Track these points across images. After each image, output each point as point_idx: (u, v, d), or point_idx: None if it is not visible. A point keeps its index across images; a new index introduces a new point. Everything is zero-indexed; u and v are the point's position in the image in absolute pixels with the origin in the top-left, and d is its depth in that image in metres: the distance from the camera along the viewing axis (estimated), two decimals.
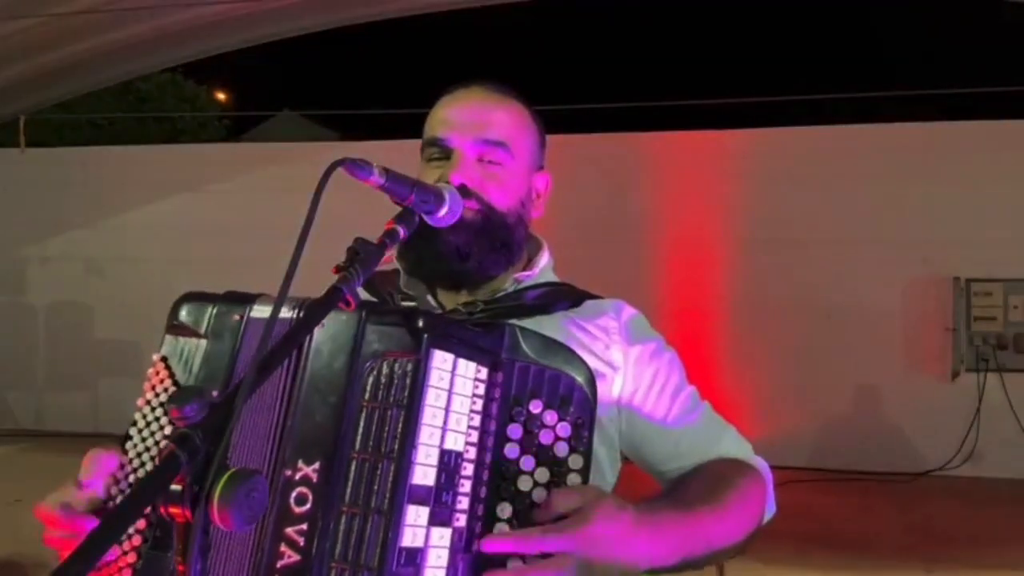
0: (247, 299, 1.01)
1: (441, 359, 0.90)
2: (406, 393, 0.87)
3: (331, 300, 0.87)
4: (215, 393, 0.96)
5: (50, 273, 7.53)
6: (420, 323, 0.90)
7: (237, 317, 0.99)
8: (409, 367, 0.88)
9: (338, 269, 0.91)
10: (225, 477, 0.70)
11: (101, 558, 0.62)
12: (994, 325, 6.01)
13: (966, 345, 6.04)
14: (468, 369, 0.94)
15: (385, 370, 0.89)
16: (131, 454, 0.98)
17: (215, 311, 1.01)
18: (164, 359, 1.01)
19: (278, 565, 0.85)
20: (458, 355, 0.92)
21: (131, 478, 0.96)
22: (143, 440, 0.98)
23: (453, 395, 0.91)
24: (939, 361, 6.10)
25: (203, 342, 1.00)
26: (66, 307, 7.50)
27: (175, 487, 0.70)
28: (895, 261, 6.09)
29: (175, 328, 1.02)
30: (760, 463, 1.20)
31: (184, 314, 1.02)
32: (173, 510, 0.70)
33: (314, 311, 0.87)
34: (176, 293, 1.07)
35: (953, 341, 6.08)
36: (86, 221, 7.41)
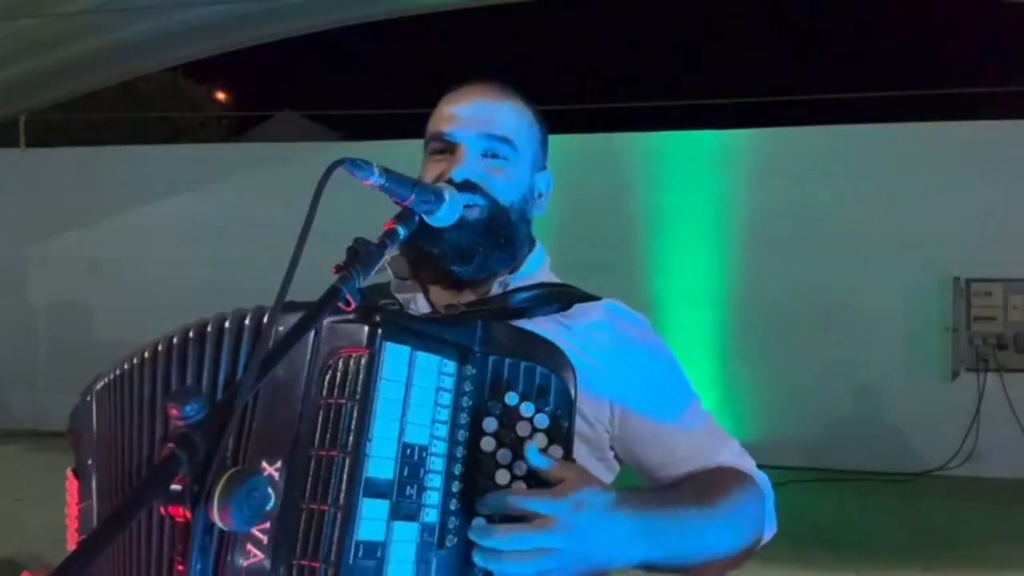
0: (91, 384, 1.17)
1: (396, 353, 0.90)
2: (359, 387, 0.87)
3: (331, 300, 0.87)
4: (89, 462, 1.12)
5: (50, 273, 7.54)
6: (376, 319, 0.90)
7: (88, 399, 1.15)
8: (363, 361, 0.88)
9: (338, 269, 0.91)
10: (225, 477, 0.70)
11: (99, 558, 0.63)
12: (994, 325, 6.01)
13: (966, 345, 6.04)
14: (429, 362, 0.93)
15: (341, 366, 0.89)
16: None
17: (75, 410, 1.18)
18: (74, 470, 1.16)
19: (244, 565, 0.86)
20: (416, 349, 0.91)
21: None
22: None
23: (412, 388, 0.91)
24: (939, 361, 6.11)
25: (82, 437, 1.16)
26: (66, 307, 7.50)
27: (175, 487, 0.70)
28: (895, 261, 6.09)
29: (69, 438, 1.18)
30: (761, 478, 1.16)
31: (68, 426, 1.20)
32: (173, 510, 0.70)
33: (312, 313, 0.87)
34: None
35: (953, 341, 6.08)
36: (86, 221, 7.41)
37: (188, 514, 0.70)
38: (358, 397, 0.87)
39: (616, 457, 1.18)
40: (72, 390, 1.21)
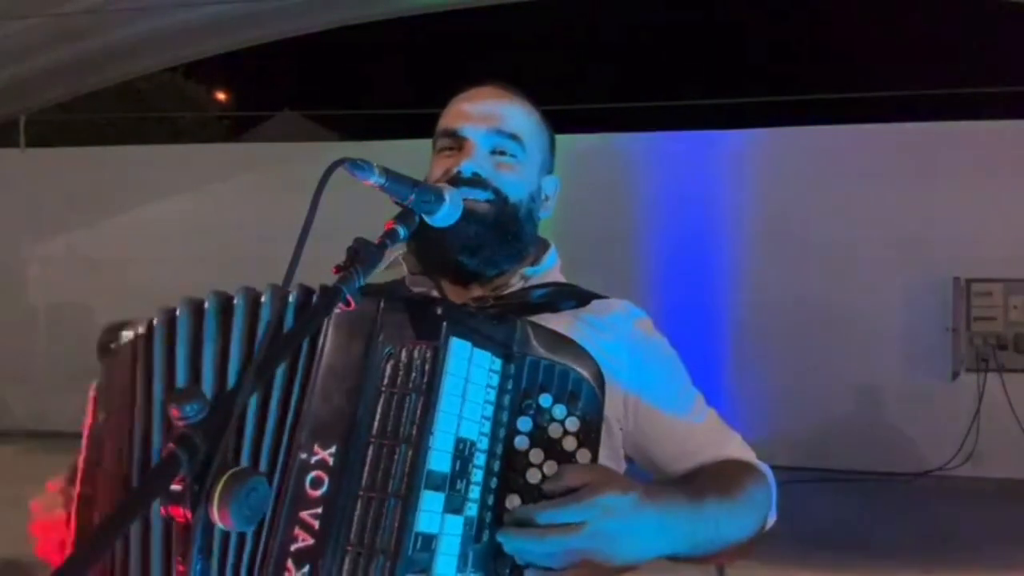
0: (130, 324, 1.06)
1: (460, 347, 0.91)
2: (425, 379, 0.88)
3: (331, 300, 0.88)
4: (102, 416, 1.04)
5: (50, 273, 7.53)
6: (439, 311, 0.91)
7: (129, 333, 1.05)
8: (428, 354, 0.89)
9: (338, 269, 0.91)
10: (225, 477, 0.70)
11: (100, 558, 0.63)
12: (994, 325, 6.01)
13: (966, 345, 6.04)
14: (483, 359, 0.95)
15: (404, 357, 0.90)
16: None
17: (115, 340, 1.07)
18: (97, 391, 1.09)
19: (292, 548, 0.85)
20: (475, 344, 0.93)
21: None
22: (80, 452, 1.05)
23: (469, 384, 0.92)
24: (939, 361, 6.10)
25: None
26: (66, 307, 7.50)
27: (175, 487, 0.70)
28: (895, 261, 6.09)
29: (102, 354, 1.09)
30: (765, 468, 1.20)
31: (102, 343, 1.10)
32: (173, 510, 0.70)
33: (313, 312, 0.87)
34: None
35: (953, 341, 6.08)
36: (86, 221, 7.41)
37: (188, 514, 0.70)
38: (423, 389, 0.88)
39: (625, 456, 1.21)
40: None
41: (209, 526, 0.72)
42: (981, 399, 5.88)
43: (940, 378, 6.08)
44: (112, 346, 1.06)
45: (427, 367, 0.89)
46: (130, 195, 7.36)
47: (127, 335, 1.03)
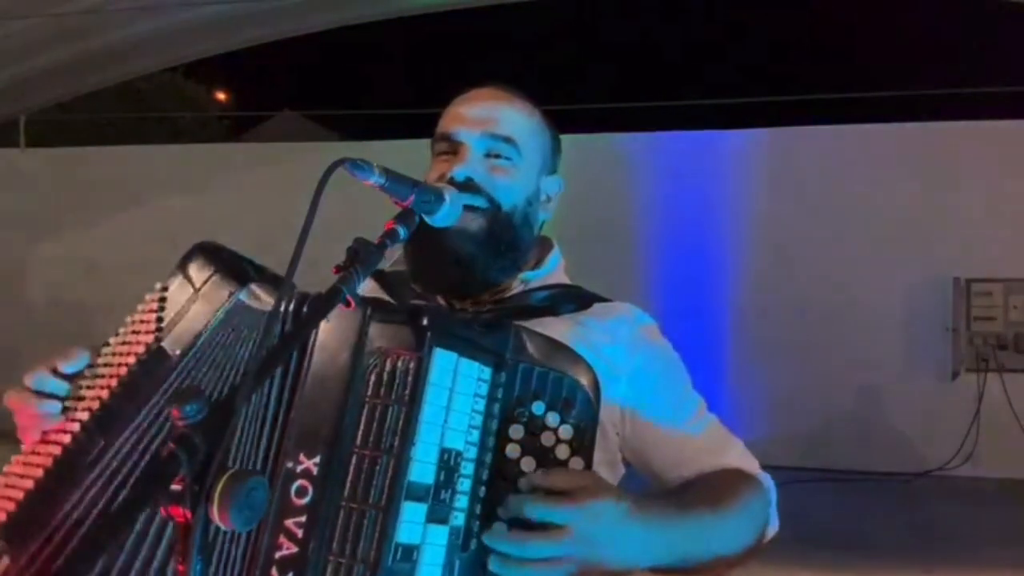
0: (243, 276, 1.01)
1: (444, 358, 0.91)
2: (407, 390, 0.88)
3: (331, 300, 0.87)
4: (177, 352, 0.97)
5: (50, 273, 7.53)
6: (424, 321, 0.90)
7: (226, 293, 0.99)
8: (411, 364, 0.89)
9: (338, 269, 0.91)
10: (225, 477, 0.70)
11: (101, 560, 0.63)
12: (994, 325, 6.01)
13: (966, 345, 6.04)
14: (471, 368, 0.94)
15: (388, 367, 0.89)
16: (105, 353, 1.08)
17: (213, 276, 1.01)
18: (165, 289, 1.03)
19: (276, 556, 0.86)
20: (461, 354, 0.92)
21: (98, 380, 1.05)
22: (113, 353, 1.06)
23: (455, 394, 0.92)
24: (939, 361, 6.10)
25: (193, 300, 1.00)
26: (66, 307, 7.49)
27: (175, 487, 0.70)
28: (895, 261, 6.09)
29: (184, 267, 1.04)
30: (765, 478, 1.18)
31: (193, 262, 1.04)
32: (173, 510, 0.70)
33: (314, 312, 0.87)
34: None
35: (953, 341, 6.08)
36: (86, 221, 7.41)
37: (188, 514, 0.70)
38: (406, 400, 0.88)
39: (623, 460, 1.20)
40: None
41: (209, 527, 0.72)
42: (981, 399, 5.88)
43: (940, 378, 6.09)
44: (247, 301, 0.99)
45: (409, 378, 0.88)
46: (130, 195, 7.36)
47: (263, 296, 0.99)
